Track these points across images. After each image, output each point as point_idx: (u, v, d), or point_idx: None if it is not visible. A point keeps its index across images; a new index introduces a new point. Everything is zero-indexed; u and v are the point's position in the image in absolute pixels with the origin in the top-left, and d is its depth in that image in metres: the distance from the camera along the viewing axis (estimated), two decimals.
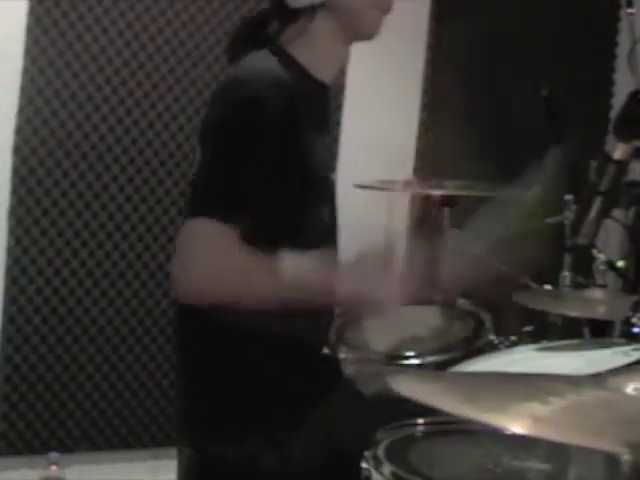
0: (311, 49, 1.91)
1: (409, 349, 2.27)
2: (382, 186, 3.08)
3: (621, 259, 2.74)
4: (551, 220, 2.72)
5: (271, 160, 1.75)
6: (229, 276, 1.73)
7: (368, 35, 1.96)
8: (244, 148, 1.75)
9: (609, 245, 2.90)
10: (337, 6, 1.91)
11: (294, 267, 1.74)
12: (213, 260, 1.71)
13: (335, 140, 3.19)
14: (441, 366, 2.16)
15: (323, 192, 1.95)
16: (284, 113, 1.77)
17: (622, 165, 2.01)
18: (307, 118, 1.85)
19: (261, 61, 1.85)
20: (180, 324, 1.98)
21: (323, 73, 1.93)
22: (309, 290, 1.75)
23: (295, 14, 1.92)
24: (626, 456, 1.04)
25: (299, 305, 1.72)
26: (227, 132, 1.77)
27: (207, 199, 1.74)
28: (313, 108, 1.89)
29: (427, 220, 3.22)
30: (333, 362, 1.99)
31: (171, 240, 3.29)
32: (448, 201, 2.91)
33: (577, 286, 2.62)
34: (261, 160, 1.75)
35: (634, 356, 1.90)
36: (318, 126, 1.92)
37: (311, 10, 1.91)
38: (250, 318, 1.73)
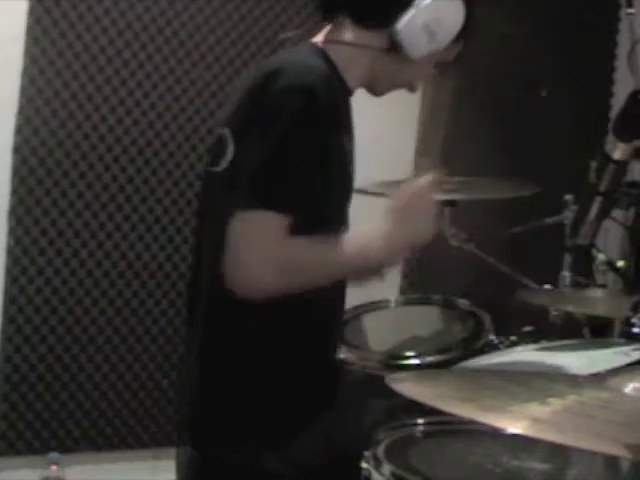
0: (352, 61, 1.89)
1: (409, 349, 2.28)
2: (381, 190, 3.08)
3: (621, 259, 2.74)
4: (551, 220, 2.72)
5: (319, 152, 1.76)
6: (299, 262, 1.74)
7: (412, 88, 1.99)
8: (297, 136, 1.74)
9: (609, 245, 2.89)
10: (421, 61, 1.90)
11: (349, 241, 1.80)
12: (275, 251, 1.70)
13: None
14: (441, 366, 2.17)
15: (351, 192, 1.95)
16: (331, 109, 1.78)
17: (622, 165, 2.01)
18: (344, 119, 1.87)
19: (308, 56, 1.84)
20: (193, 324, 1.97)
21: (351, 82, 1.92)
22: (368, 256, 1.79)
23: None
24: (626, 456, 1.04)
25: (359, 276, 1.84)
26: (277, 118, 1.74)
27: (259, 190, 1.72)
28: (344, 110, 1.90)
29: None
30: (334, 363, 1.99)
31: (171, 240, 3.29)
32: (448, 201, 2.90)
33: (577, 286, 2.62)
34: (312, 150, 1.75)
35: (634, 356, 1.90)
36: (349, 128, 1.92)
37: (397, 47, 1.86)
38: (263, 320, 1.74)
